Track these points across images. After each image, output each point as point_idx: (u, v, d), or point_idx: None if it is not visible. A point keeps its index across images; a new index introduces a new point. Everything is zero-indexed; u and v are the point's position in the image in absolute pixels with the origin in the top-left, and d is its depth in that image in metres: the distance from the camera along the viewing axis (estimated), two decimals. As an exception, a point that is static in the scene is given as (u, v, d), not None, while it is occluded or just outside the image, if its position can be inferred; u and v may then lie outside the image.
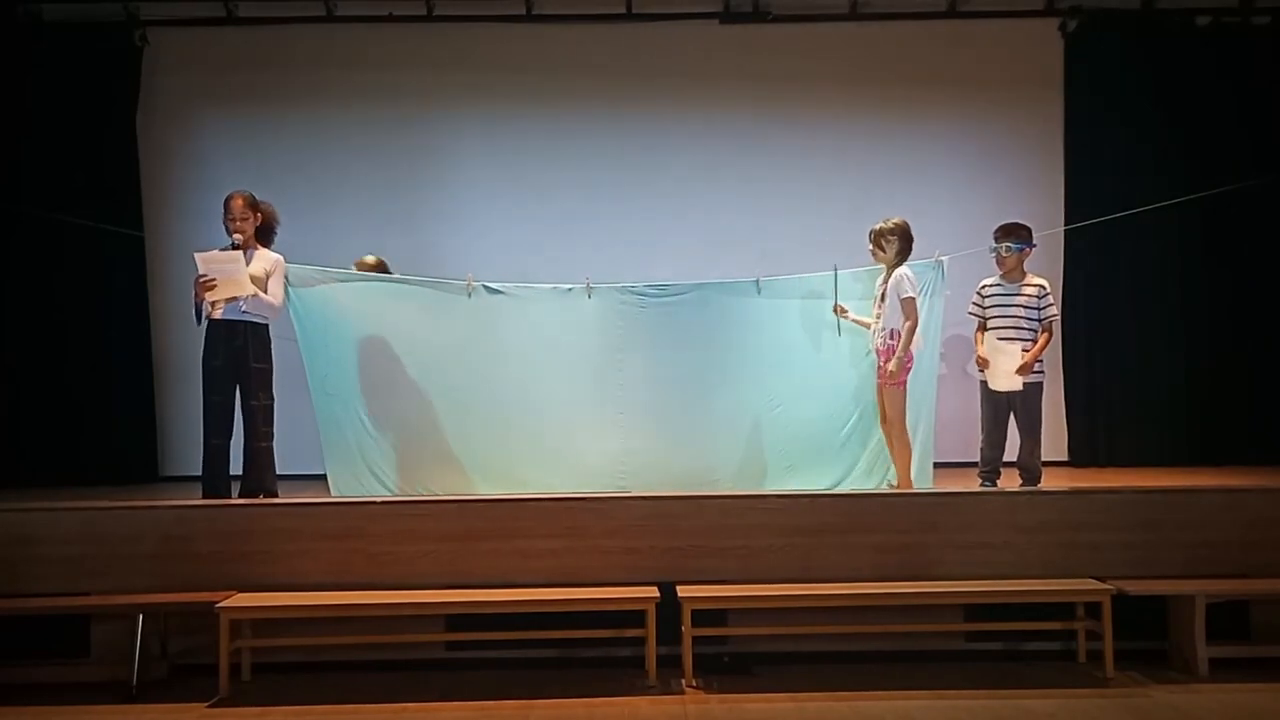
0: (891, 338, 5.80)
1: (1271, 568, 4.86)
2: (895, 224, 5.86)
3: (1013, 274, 5.90)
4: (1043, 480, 5.83)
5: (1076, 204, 7.74)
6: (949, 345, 6.63)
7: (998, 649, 4.93)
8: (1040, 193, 7.81)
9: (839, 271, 6.19)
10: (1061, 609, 4.82)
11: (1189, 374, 7.78)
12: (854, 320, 6.08)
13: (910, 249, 5.88)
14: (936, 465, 6.30)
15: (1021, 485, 5.74)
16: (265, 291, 5.58)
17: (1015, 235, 5.88)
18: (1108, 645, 4.57)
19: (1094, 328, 7.80)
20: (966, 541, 4.91)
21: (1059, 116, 7.95)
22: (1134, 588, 4.65)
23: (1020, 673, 4.66)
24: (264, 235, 5.71)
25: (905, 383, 5.82)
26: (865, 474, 6.25)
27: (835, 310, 6.13)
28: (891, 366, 5.73)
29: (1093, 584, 4.69)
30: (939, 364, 6.37)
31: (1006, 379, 5.74)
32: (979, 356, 5.88)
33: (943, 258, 6.18)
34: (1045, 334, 5.80)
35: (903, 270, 5.83)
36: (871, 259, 5.97)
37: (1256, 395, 7.71)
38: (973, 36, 7.96)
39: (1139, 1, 7.98)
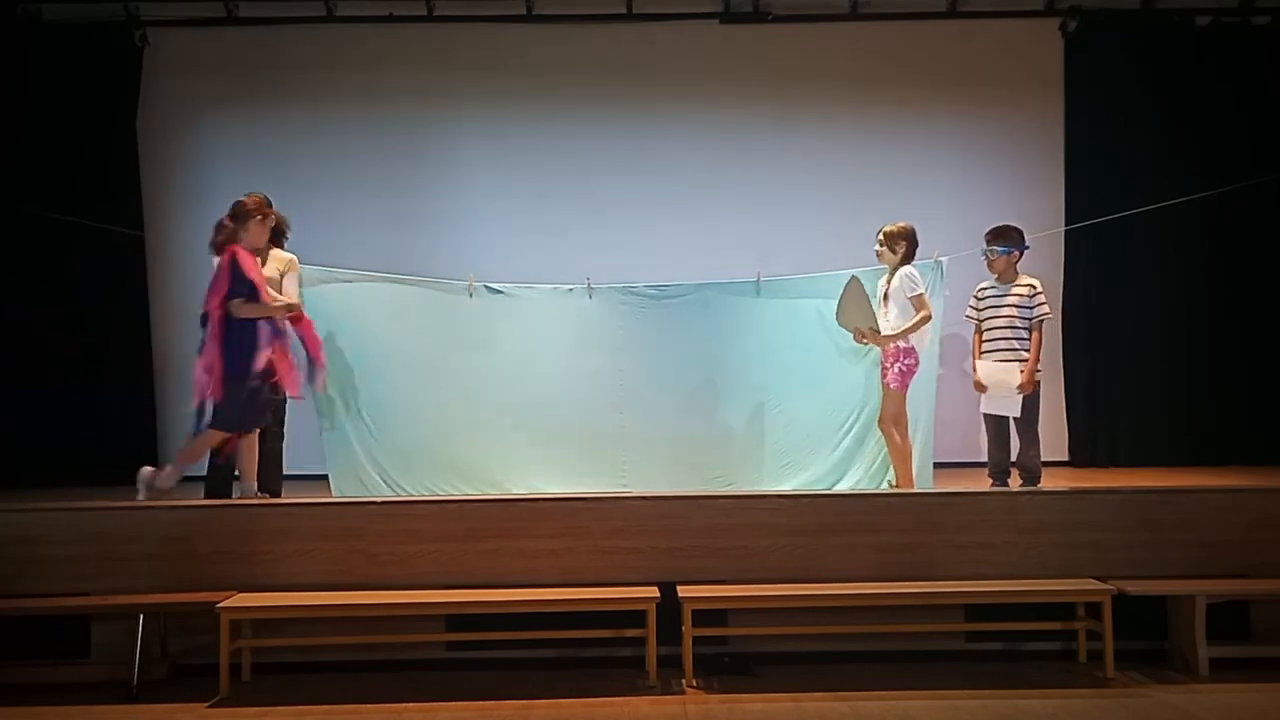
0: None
1: (1271, 568, 4.85)
2: (903, 227, 5.89)
3: (1005, 275, 5.93)
4: (1042, 480, 5.84)
5: (1076, 204, 7.75)
6: (949, 345, 6.63)
7: (998, 649, 4.92)
8: (1040, 193, 7.82)
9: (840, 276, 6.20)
10: (1062, 609, 4.82)
11: (1189, 374, 7.78)
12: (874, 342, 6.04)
13: (915, 252, 5.91)
14: (936, 465, 6.31)
15: (1022, 485, 5.75)
16: (280, 292, 5.58)
17: (1004, 238, 5.93)
18: (1108, 645, 4.57)
19: (1094, 328, 7.80)
20: (966, 541, 4.91)
21: (1059, 116, 7.96)
22: (1134, 588, 4.65)
23: (1020, 673, 4.65)
24: (276, 238, 5.72)
25: (907, 387, 5.82)
26: (866, 474, 6.25)
27: (857, 339, 6.03)
28: (886, 329, 5.77)
29: (1093, 584, 4.68)
30: (938, 364, 6.37)
31: (1000, 402, 5.78)
32: (976, 380, 5.91)
33: (942, 258, 6.19)
34: (1036, 334, 5.81)
35: (907, 269, 5.85)
36: (877, 259, 5.97)
37: (1257, 395, 7.71)
38: (973, 36, 7.97)
39: (1139, 1, 7.98)
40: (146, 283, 7.78)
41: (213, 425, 5.37)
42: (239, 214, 5.50)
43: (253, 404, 5.41)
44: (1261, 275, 7.78)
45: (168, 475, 5.42)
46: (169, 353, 7.64)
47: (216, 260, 5.47)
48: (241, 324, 5.37)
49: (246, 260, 5.42)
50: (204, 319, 5.43)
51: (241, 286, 5.37)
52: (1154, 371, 7.77)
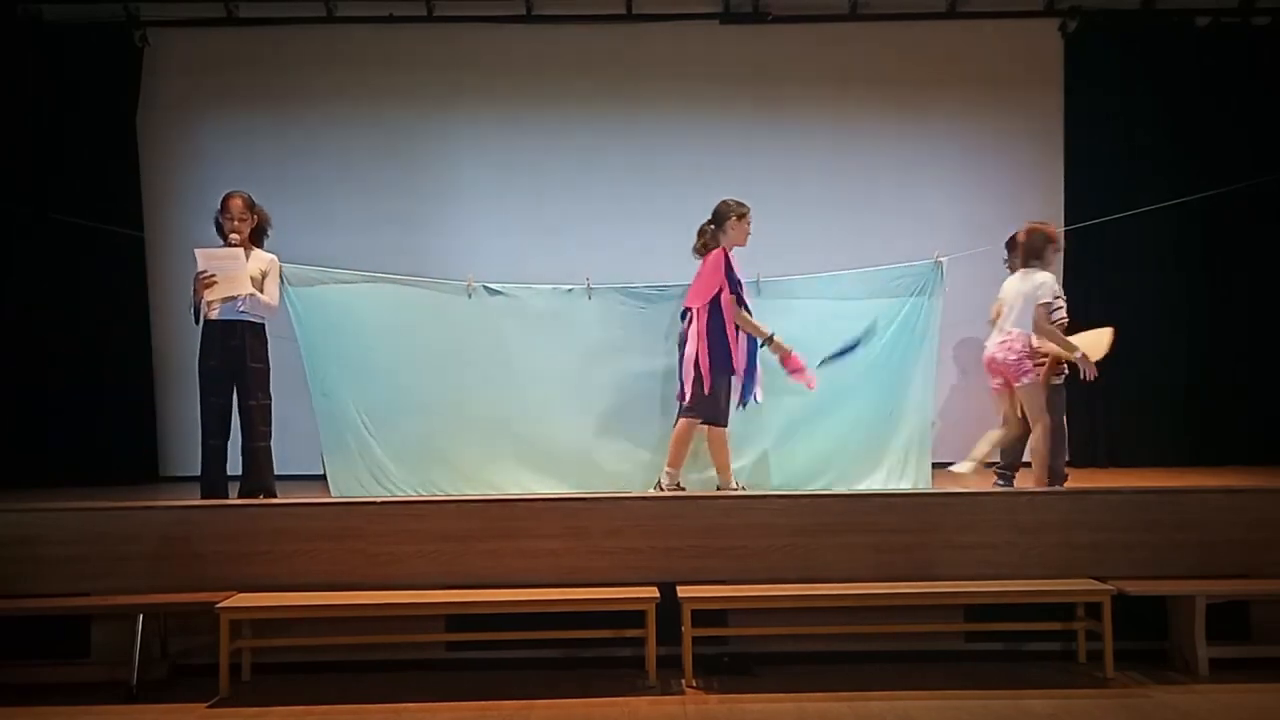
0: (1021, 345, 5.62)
1: (1271, 568, 4.85)
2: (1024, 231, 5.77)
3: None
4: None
5: (1076, 204, 7.75)
6: (948, 345, 6.63)
7: (998, 649, 4.92)
8: (1040, 192, 7.82)
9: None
10: (1061, 609, 4.82)
11: (1189, 374, 7.79)
12: None
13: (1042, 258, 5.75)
14: (936, 465, 6.31)
15: (1049, 484, 5.66)
16: (262, 291, 5.57)
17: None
18: (1108, 645, 4.57)
19: (1093, 328, 7.77)
20: (966, 541, 4.90)
21: (1059, 116, 7.96)
22: (1134, 588, 4.65)
23: (1020, 673, 4.65)
24: (257, 236, 5.70)
25: (1035, 374, 5.63)
26: (865, 473, 6.24)
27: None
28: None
29: (1093, 584, 4.68)
30: (937, 365, 6.37)
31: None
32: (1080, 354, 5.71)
33: (942, 258, 6.19)
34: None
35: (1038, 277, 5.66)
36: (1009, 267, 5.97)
37: (1257, 395, 7.71)
38: (973, 36, 7.98)
39: (1139, 1, 7.98)
40: (146, 283, 7.78)
41: (687, 415, 5.80)
42: (717, 216, 5.86)
43: (727, 398, 5.79)
44: (1261, 275, 7.78)
45: (672, 476, 5.81)
46: (169, 353, 7.64)
47: (700, 261, 5.87)
48: (724, 320, 5.70)
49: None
50: (684, 314, 5.89)
51: (733, 284, 5.72)
52: (1154, 371, 7.77)
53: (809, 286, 6.37)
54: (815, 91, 7.94)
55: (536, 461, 6.29)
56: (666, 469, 5.86)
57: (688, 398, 5.81)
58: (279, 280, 5.75)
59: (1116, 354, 7.70)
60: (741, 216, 5.85)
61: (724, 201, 5.90)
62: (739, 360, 5.81)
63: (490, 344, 6.35)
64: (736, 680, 4.60)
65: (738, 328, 5.80)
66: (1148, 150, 7.80)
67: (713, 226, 5.89)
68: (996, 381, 5.77)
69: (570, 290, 6.42)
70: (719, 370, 5.75)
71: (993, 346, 5.71)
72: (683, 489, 5.82)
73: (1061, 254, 6.08)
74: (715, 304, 5.75)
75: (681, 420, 5.86)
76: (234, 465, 5.63)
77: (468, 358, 6.34)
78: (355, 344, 6.21)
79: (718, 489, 5.79)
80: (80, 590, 4.76)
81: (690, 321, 5.84)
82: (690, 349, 5.81)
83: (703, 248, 5.90)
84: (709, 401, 5.77)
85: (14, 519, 4.97)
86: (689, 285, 6.32)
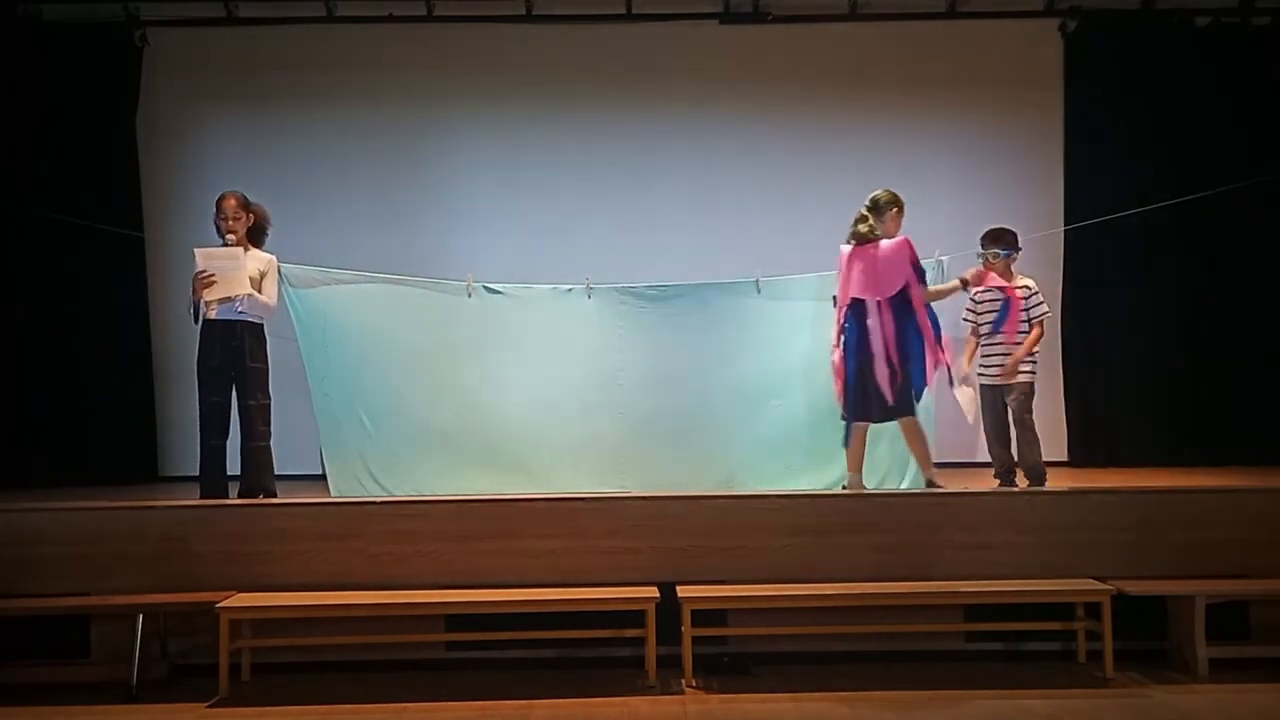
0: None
1: (1271, 568, 4.85)
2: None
3: (1003, 277, 5.90)
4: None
5: (1076, 204, 7.75)
6: (948, 346, 6.62)
7: (998, 649, 4.93)
8: (1040, 192, 7.82)
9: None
10: (1061, 609, 4.82)
11: (1189, 374, 7.78)
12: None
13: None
14: (936, 465, 6.29)
15: (1029, 485, 5.72)
16: (260, 292, 5.57)
17: (1002, 241, 5.86)
18: (1107, 645, 4.57)
19: (1094, 328, 7.80)
20: (966, 541, 4.91)
21: (1059, 116, 7.96)
22: (1134, 588, 4.65)
23: (1020, 673, 4.66)
24: (255, 236, 5.69)
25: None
26: (865, 473, 6.23)
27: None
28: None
29: (1093, 584, 4.68)
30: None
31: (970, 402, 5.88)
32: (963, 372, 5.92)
33: (942, 257, 6.19)
34: (1037, 330, 5.80)
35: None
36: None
37: (1256, 395, 7.71)
38: (973, 36, 7.97)
39: (1139, 2, 7.98)
40: (146, 283, 7.77)
41: (903, 416, 5.62)
42: (878, 206, 5.66)
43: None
44: (1261, 275, 7.78)
45: (853, 481, 5.71)
46: (169, 353, 7.64)
47: (848, 249, 5.66)
48: (910, 310, 5.57)
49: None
50: (856, 309, 5.63)
51: (919, 271, 5.59)
52: (1154, 371, 7.77)
53: (809, 286, 6.36)
54: (815, 91, 7.94)
55: (537, 461, 6.29)
56: (923, 472, 5.70)
57: (891, 398, 5.53)
58: (277, 280, 5.74)
59: (1116, 354, 7.81)
60: (900, 209, 5.64)
61: (884, 191, 5.67)
62: (928, 348, 5.62)
63: (490, 344, 6.35)
64: (736, 680, 4.60)
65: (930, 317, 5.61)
66: (1148, 150, 7.80)
67: (872, 215, 5.65)
68: None
69: (570, 290, 6.43)
70: (908, 360, 5.56)
71: None
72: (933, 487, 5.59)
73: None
74: (900, 295, 5.54)
75: (903, 423, 5.65)
76: (234, 465, 5.64)
77: (468, 358, 6.34)
78: (355, 344, 6.22)
79: (926, 484, 5.61)
80: (80, 590, 4.76)
81: (869, 315, 5.57)
82: (878, 346, 5.52)
83: (869, 233, 5.61)
84: (907, 393, 5.59)
85: (14, 519, 4.97)
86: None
